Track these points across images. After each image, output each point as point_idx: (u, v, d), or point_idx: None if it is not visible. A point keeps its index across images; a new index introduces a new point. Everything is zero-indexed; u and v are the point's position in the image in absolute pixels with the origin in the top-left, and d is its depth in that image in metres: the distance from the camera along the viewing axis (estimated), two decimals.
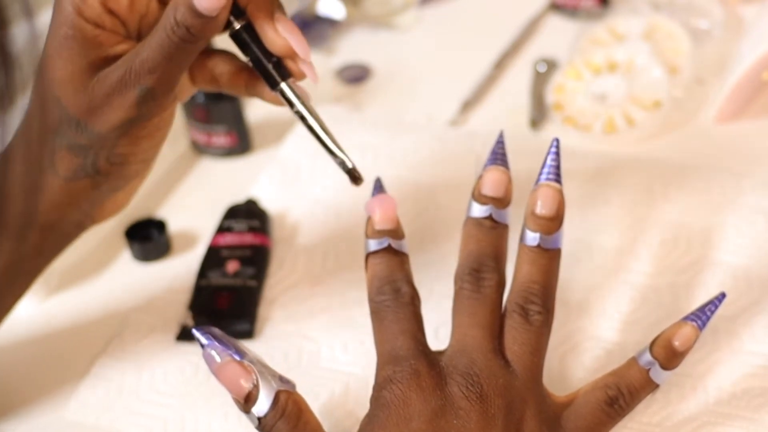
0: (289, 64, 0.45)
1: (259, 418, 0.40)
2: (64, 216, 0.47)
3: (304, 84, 0.46)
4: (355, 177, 0.45)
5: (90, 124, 0.44)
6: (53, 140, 0.45)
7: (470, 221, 0.46)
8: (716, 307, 0.46)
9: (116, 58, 0.44)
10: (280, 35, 0.44)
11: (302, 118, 0.45)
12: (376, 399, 0.43)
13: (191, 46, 0.43)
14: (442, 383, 0.42)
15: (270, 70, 0.45)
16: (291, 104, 0.45)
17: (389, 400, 0.42)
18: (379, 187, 0.48)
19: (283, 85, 0.45)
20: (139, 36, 0.46)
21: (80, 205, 0.47)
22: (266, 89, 0.46)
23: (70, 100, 0.44)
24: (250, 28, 0.44)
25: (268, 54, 0.44)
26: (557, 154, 0.46)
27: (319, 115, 0.45)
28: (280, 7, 0.44)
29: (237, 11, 0.44)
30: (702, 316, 0.45)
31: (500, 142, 0.48)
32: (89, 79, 0.44)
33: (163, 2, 0.46)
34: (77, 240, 0.51)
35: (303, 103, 0.45)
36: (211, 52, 0.48)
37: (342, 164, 0.45)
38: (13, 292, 0.50)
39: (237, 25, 0.44)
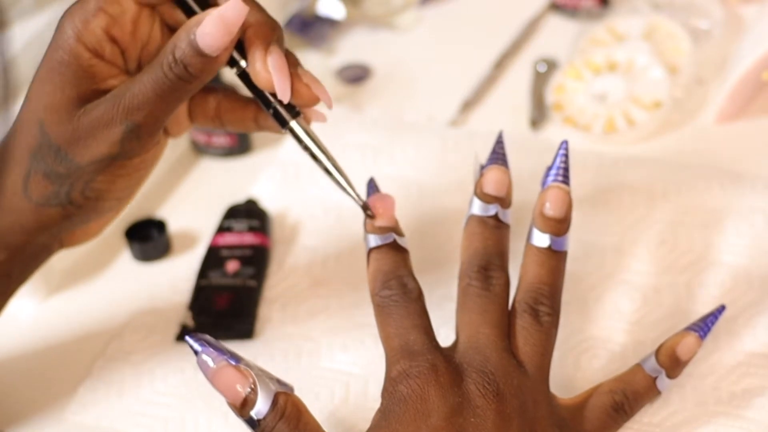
0: (301, 88, 0.44)
1: (258, 421, 0.40)
2: (32, 239, 0.47)
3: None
4: (368, 213, 0.46)
5: (70, 154, 0.44)
6: (30, 163, 0.45)
7: (474, 219, 0.46)
8: (716, 318, 0.48)
9: (107, 92, 0.44)
10: (266, 69, 0.43)
11: (313, 156, 0.45)
12: (391, 394, 0.42)
13: (187, 85, 0.42)
14: (459, 379, 0.42)
15: (278, 109, 0.44)
16: (301, 142, 0.45)
17: (406, 395, 0.42)
18: (373, 187, 0.48)
19: (293, 124, 0.45)
20: (138, 67, 0.45)
21: (49, 231, 0.47)
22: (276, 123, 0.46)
23: (54, 127, 0.43)
24: None
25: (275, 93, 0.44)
26: (566, 156, 0.46)
27: (330, 153, 0.45)
28: (279, 40, 0.44)
29: (243, 50, 0.43)
30: (704, 327, 0.47)
31: (500, 142, 0.48)
32: (76, 109, 0.43)
33: (169, 29, 0.46)
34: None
35: (313, 140, 0.45)
36: (213, 88, 0.47)
37: (354, 201, 0.45)
38: None
39: (244, 64, 0.43)
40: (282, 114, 0.44)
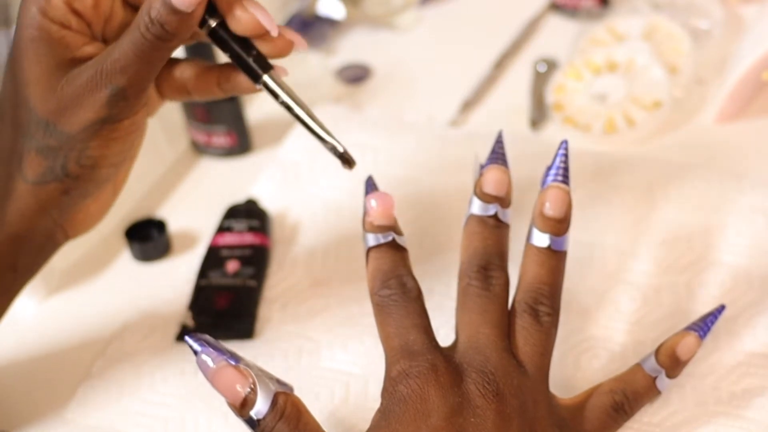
0: (275, 40, 0.44)
1: (258, 420, 0.40)
2: (33, 225, 0.47)
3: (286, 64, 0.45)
4: (346, 160, 0.45)
5: (59, 125, 0.44)
6: (21, 143, 0.45)
7: (474, 219, 0.46)
8: (716, 318, 0.48)
9: (84, 59, 0.44)
10: (247, 11, 0.43)
11: (288, 108, 0.45)
12: (391, 394, 0.42)
13: (166, 44, 0.42)
14: (459, 379, 0.42)
15: (251, 64, 0.44)
16: (276, 95, 0.45)
17: (406, 395, 0.42)
18: (371, 185, 0.48)
19: (266, 77, 0.44)
20: (104, 40, 0.46)
21: (49, 212, 0.47)
22: (240, 81, 0.46)
23: (39, 101, 0.44)
24: (226, 25, 0.44)
25: (248, 47, 0.44)
26: (566, 155, 0.46)
27: (305, 104, 0.45)
28: None
29: (212, 10, 0.43)
30: (704, 326, 0.47)
31: (499, 142, 0.48)
32: (58, 80, 0.43)
33: (129, 6, 0.46)
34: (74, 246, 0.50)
35: (287, 93, 0.45)
36: (174, 60, 0.48)
37: (333, 149, 0.44)
38: None
39: (213, 23, 0.44)
40: (254, 68, 0.44)
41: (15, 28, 0.44)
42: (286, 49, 0.45)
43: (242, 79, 0.46)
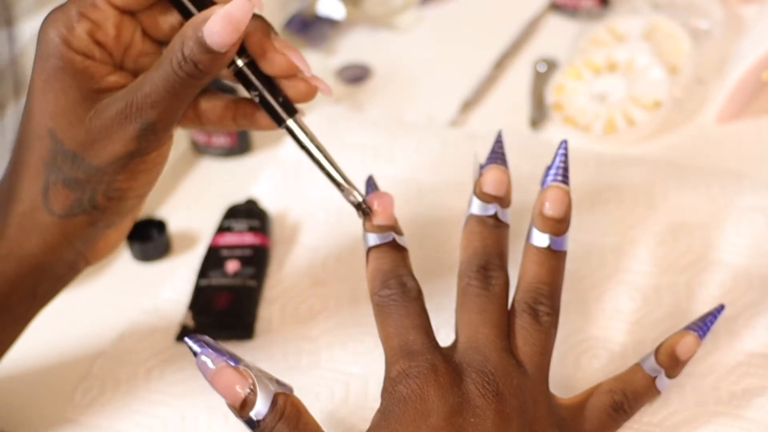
0: (299, 84, 0.44)
1: (258, 421, 0.40)
2: (57, 256, 0.46)
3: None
4: (364, 211, 0.46)
5: (87, 158, 0.43)
6: (46, 176, 0.44)
7: (473, 218, 0.46)
8: (715, 318, 0.48)
9: (109, 89, 0.44)
10: (280, 52, 0.43)
11: (309, 154, 0.45)
12: (390, 394, 0.42)
13: (197, 81, 0.42)
14: (458, 379, 0.42)
15: (276, 107, 0.44)
16: (298, 140, 0.45)
17: (406, 395, 0.42)
18: (372, 185, 0.48)
19: (290, 122, 0.45)
20: (123, 69, 0.45)
21: (74, 244, 0.46)
22: (258, 119, 0.46)
23: (66, 133, 0.43)
24: (253, 65, 0.44)
25: (275, 91, 0.44)
26: (566, 155, 0.46)
27: (326, 150, 0.45)
28: (273, 29, 0.44)
29: (240, 48, 0.43)
30: (703, 326, 0.48)
31: (499, 142, 0.48)
32: (85, 111, 0.43)
33: (149, 37, 0.46)
34: None
35: (310, 139, 0.45)
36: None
37: (350, 199, 0.45)
38: (4, 339, 0.49)
39: (240, 63, 0.44)
40: (279, 112, 0.45)
41: (35, 58, 0.43)
42: (310, 94, 0.45)
43: (261, 117, 0.46)
